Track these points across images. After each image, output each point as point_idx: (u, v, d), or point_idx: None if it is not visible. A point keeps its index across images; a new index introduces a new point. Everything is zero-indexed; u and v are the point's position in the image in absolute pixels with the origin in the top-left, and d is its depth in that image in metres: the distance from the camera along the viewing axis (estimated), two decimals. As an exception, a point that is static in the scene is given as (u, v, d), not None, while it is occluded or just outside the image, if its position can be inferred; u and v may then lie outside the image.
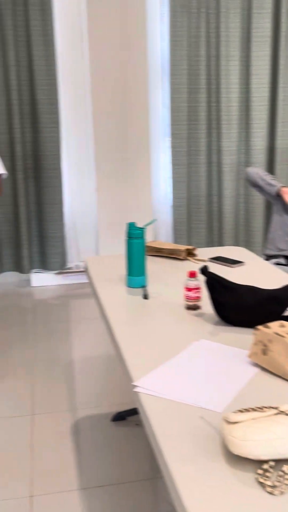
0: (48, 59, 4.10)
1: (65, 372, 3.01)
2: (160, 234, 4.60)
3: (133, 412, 2.52)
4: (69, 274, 4.46)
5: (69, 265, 4.48)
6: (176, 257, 2.38)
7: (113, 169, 4.27)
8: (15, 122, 4.12)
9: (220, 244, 4.57)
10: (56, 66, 4.15)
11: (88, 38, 4.10)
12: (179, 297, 1.88)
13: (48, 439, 2.40)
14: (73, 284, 4.43)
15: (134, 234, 1.98)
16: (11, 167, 4.20)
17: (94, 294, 2.07)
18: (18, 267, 4.38)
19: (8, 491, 2.08)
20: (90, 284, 2.18)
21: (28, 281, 4.45)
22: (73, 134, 4.36)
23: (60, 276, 4.46)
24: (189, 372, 1.36)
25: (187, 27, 4.20)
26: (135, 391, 1.30)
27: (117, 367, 3.05)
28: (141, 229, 2.00)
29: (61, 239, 4.36)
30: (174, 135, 4.38)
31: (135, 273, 2.00)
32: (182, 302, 1.84)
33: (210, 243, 4.60)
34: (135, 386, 1.31)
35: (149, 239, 4.11)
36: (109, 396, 2.75)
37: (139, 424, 2.47)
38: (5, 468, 2.22)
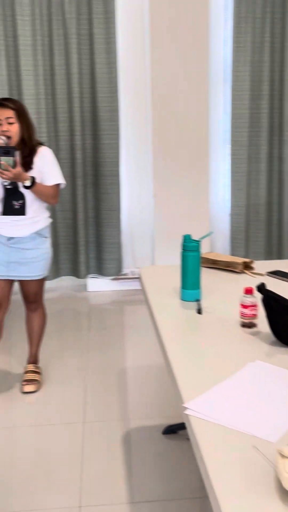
0: (110, 66, 4.13)
1: (117, 380, 3.00)
2: (217, 242, 4.53)
3: (185, 426, 2.47)
4: (125, 280, 4.47)
5: (125, 271, 4.49)
6: (233, 270, 2.32)
7: (171, 176, 4.24)
8: (76, 129, 4.17)
9: (279, 254, 4.44)
10: (118, 74, 4.17)
11: (149, 45, 4.10)
12: (235, 313, 1.82)
13: (98, 449, 2.40)
14: (128, 290, 4.44)
15: (190, 247, 1.94)
16: (71, 173, 4.26)
17: (147, 306, 2.05)
18: (75, 272, 4.43)
19: (58, 500, 2.09)
20: (144, 295, 2.16)
21: (84, 286, 4.49)
22: (132, 141, 4.37)
23: (115, 282, 4.47)
24: (242, 396, 1.31)
25: (251, 32, 4.12)
26: (186, 414, 1.26)
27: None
28: (197, 241, 1.95)
29: (118, 245, 4.38)
30: (234, 142, 4.30)
31: (190, 287, 1.96)
32: (238, 318, 1.78)
33: (269, 253, 4.48)
34: (185, 408, 1.27)
35: (205, 247, 4.05)
36: (160, 407, 2.71)
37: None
38: (55, 476, 2.23)
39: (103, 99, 4.16)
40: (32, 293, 2.80)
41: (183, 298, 1.97)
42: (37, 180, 2.61)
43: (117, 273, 4.42)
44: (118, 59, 4.16)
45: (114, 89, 4.17)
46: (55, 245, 4.36)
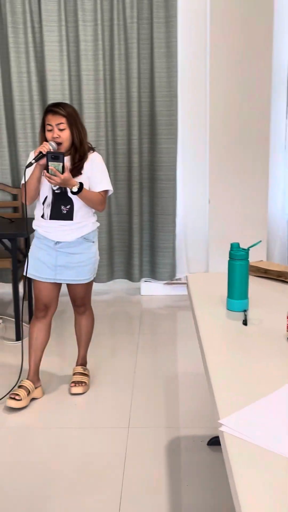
0: (170, 70, 4.12)
1: (166, 386, 2.97)
2: (274, 250, 4.41)
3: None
4: (178, 285, 4.44)
5: (178, 276, 4.46)
6: (285, 280, 2.24)
7: (228, 181, 4.17)
8: (133, 133, 4.19)
9: None
10: (177, 78, 4.16)
11: (210, 48, 4.05)
12: (282, 326, 1.75)
13: (142, 456, 2.38)
14: (182, 295, 4.40)
15: (237, 255, 1.89)
16: (127, 177, 4.28)
17: (192, 313, 2.01)
18: (129, 275, 4.44)
19: (97, 505, 2.08)
20: (190, 302, 2.12)
21: (137, 289, 4.50)
22: (189, 146, 4.33)
23: (168, 287, 4.45)
24: (283, 416, 1.25)
25: (315, 34, 3.99)
26: (220, 430, 1.21)
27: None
28: (245, 250, 1.90)
29: (172, 249, 4.36)
30: (295, 147, 4.18)
31: (236, 296, 1.90)
32: (285, 331, 1.72)
33: None
34: (220, 424, 1.23)
35: (261, 255, 3.95)
36: (207, 417, 2.66)
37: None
38: (96, 480, 2.23)
39: (162, 103, 4.16)
40: (80, 297, 2.82)
41: (229, 308, 1.92)
42: (85, 186, 2.61)
43: (170, 277, 4.40)
44: (178, 64, 4.14)
45: (173, 93, 4.15)
46: (110, 248, 4.39)
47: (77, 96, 4.18)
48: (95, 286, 4.41)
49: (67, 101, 4.12)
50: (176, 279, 4.44)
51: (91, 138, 4.16)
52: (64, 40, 4.08)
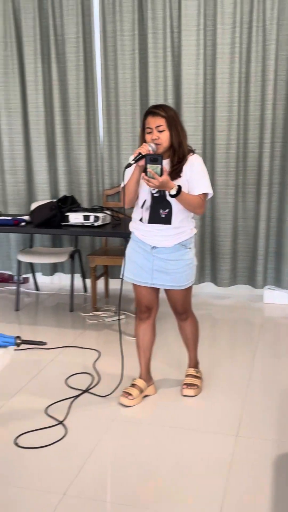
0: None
1: (279, 398, 2.87)
2: None
3: None
4: (304, 295, 4.25)
5: (305, 286, 4.27)
6: None
7: None
8: (266, 136, 4.09)
9: None
10: None
11: None
12: None
13: (248, 466, 2.32)
14: (307, 306, 4.21)
15: None
16: (257, 181, 4.20)
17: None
18: (252, 282, 4.35)
19: (199, 510, 2.08)
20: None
21: (260, 297, 4.39)
22: None
23: (294, 296, 4.28)
24: None
25: None
26: None
27: None
28: None
29: (300, 258, 4.18)
30: None
31: None
32: None
33: None
34: None
35: None
36: None
37: None
38: (198, 485, 2.22)
39: (299, 106, 4.01)
40: (180, 304, 2.78)
41: None
42: (184, 189, 2.55)
43: (296, 286, 4.23)
44: None
45: (311, 95, 3.99)
46: (234, 253, 4.34)
47: (210, 99, 4.18)
48: (217, 289, 4.43)
49: (200, 104, 4.15)
50: (303, 289, 4.26)
51: (220, 140, 4.16)
52: (202, 44, 4.10)
